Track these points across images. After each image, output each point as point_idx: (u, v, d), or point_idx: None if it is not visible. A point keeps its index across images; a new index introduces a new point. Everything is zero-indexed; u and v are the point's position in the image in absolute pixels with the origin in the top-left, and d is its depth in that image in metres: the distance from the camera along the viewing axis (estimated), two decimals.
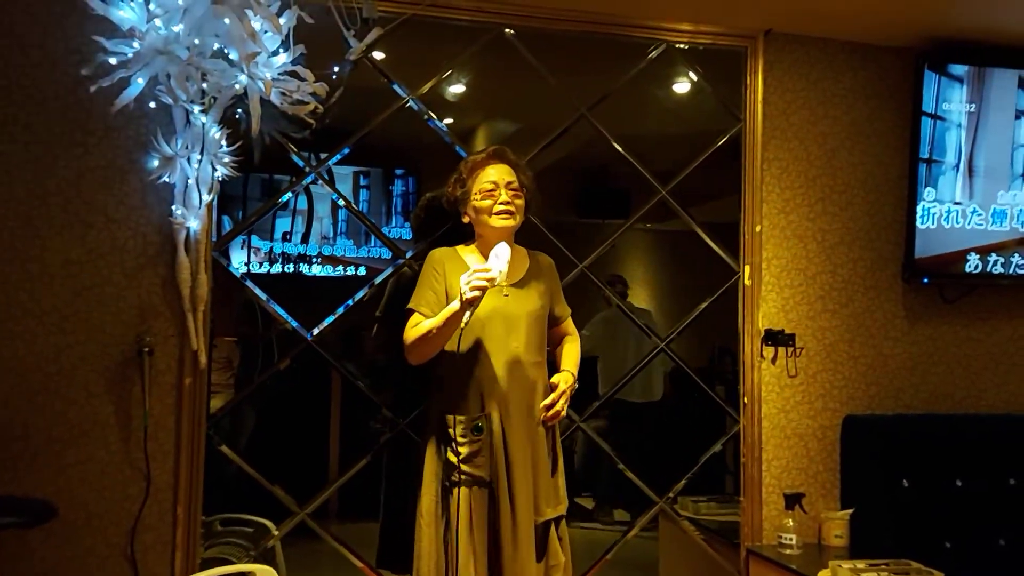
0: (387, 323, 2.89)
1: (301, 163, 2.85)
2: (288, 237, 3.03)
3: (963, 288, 3.34)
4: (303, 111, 2.65)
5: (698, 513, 3.40)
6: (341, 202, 3.04)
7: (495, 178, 2.42)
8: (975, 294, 3.37)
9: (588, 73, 3.16)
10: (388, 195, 3.32)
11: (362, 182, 3.34)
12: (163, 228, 2.59)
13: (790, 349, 3.17)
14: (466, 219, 2.49)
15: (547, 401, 2.39)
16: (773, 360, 3.17)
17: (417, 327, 2.33)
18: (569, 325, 2.63)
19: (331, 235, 3.14)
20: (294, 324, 2.81)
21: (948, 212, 3.19)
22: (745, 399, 3.14)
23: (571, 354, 2.56)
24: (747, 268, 3.15)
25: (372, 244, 3.17)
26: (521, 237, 2.54)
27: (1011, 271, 3.27)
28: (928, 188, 3.16)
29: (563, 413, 2.42)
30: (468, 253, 2.49)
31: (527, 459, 2.35)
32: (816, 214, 3.24)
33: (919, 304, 3.34)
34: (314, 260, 3.06)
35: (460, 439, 2.31)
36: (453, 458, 2.31)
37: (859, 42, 3.27)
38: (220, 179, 2.60)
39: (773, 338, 3.15)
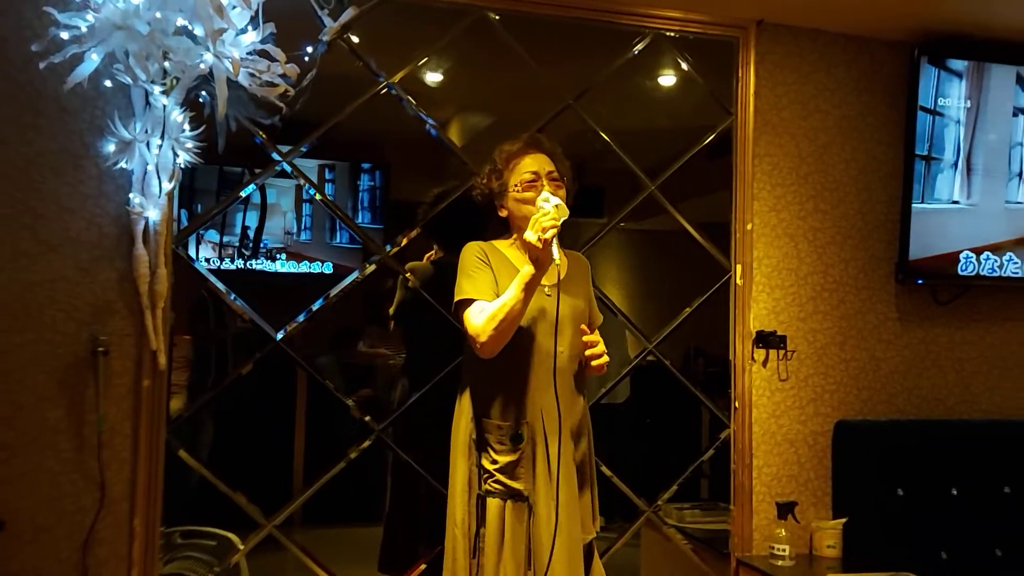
0: (402, 321, 2.83)
1: (272, 151, 2.66)
2: (248, 231, 2.84)
3: (956, 289, 3.25)
4: (273, 94, 2.48)
5: (682, 521, 3.27)
6: (308, 196, 2.87)
7: (536, 168, 2.27)
8: (968, 295, 3.27)
9: (573, 62, 3.02)
10: (355, 190, 3.14)
11: (327, 176, 3.15)
12: (120, 218, 2.41)
13: (781, 352, 3.05)
14: (503, 212, 2.34)
15: (590, 338, 2.20)
16: (764, 363, 3.05)
17: (489, 310, 2.11)
18: (597, 335, 2.41)
19: (295, 230, 2.95)
20: (262, 324, 2.64)
21: (945, 211, 3.09)
22: (736, 403, 3.02)
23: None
24: (738, 267, 3.03)
25: (339, 240, 2.99)
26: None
27: (1005, 272, 3.18)
28: (924, 186, 3.05)
29: (606, 360, 2.21)
30: (505, 248, 2.33)
31: (571, 474, 2.19)
32: (807, 212, 3.13)
33: (912, 306, 3.24)
34: (277, 255, 2.87)
35: (497, 446, 2.16)
36: (490, 466, 2.16)
37: (851, 34, 3.17)
38: (182, 166, 2.43)
39: (764, 340, 3.03)
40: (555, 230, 2.02)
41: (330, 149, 2.85)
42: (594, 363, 2.19)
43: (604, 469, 2.91)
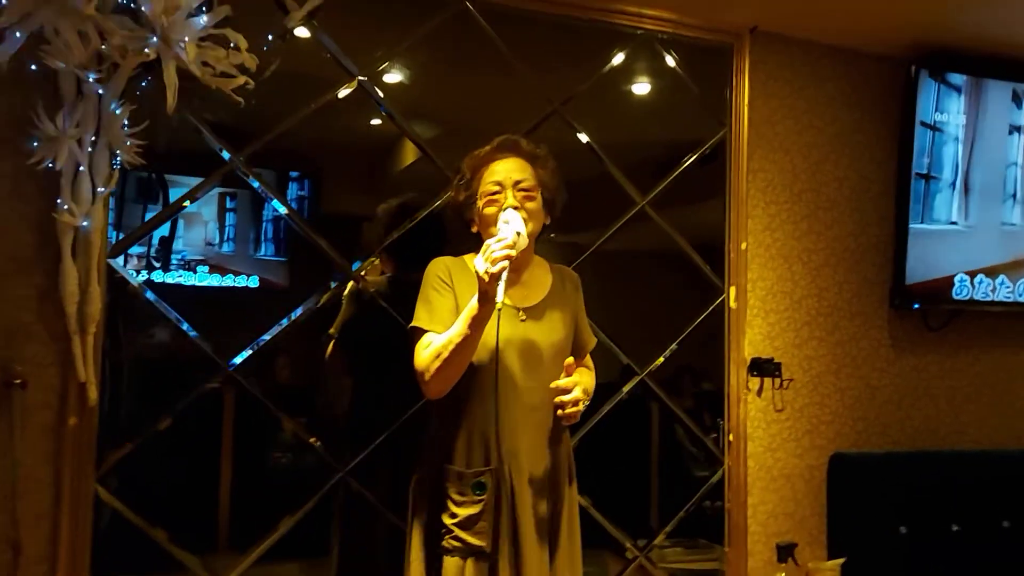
0: (345, 344, 2.44)
1: (225, 153, 2.33)
2: (167, 242, 2.48)
3: (947, 315, 3.12)
4: (229, 87, 2.16)
5: (664, 560, 3.01)
6: (231, 205, 2.54)
7: (500, 177, 1.92)
8: (958, 321, 3.15)
9: (559, 64, 2.77)
10: (282, 202, 2.83)
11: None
12: (43, 227, 2.04)
13: (777, 380, 2.85)
14: (474, 228, 1.99)
15: (563, 384, 1.81)
16: (759, 392, 2.84)
17: (434, 346, 1.82)
18: (588, 360, 2.15)
19: (216, 241, 2.60)
20: (211, 352, 2.29)
21: (943, 233, 2.95)
22: (730, 436, 2.79)
23: (587, 378, 2.07)
24: (732, 289, 2.82)
25: (263, 252, 2.65)
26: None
27: (998, 296, 3.05)
28: (921, 206, 2.91)
29: (580, 409, 1.84)
30: None
31: (543, 528, 1.89)
32: (802, 232, 2.95)
33: (904, 331, 3.09)
34: (197, 268, 2.51)
35: (457, 497, 1.84)
36: (448, 520, 1.84)
37: (842, 47, 3.02)
38: (120, 168, 2.08)
39: (759, 368, 2.82)
40: (506, 264, 1.70)
41: (277, 157, 2.52)
42: (560, 412, 1.83)
43: (593, 512, 2.64)
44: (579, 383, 1.85)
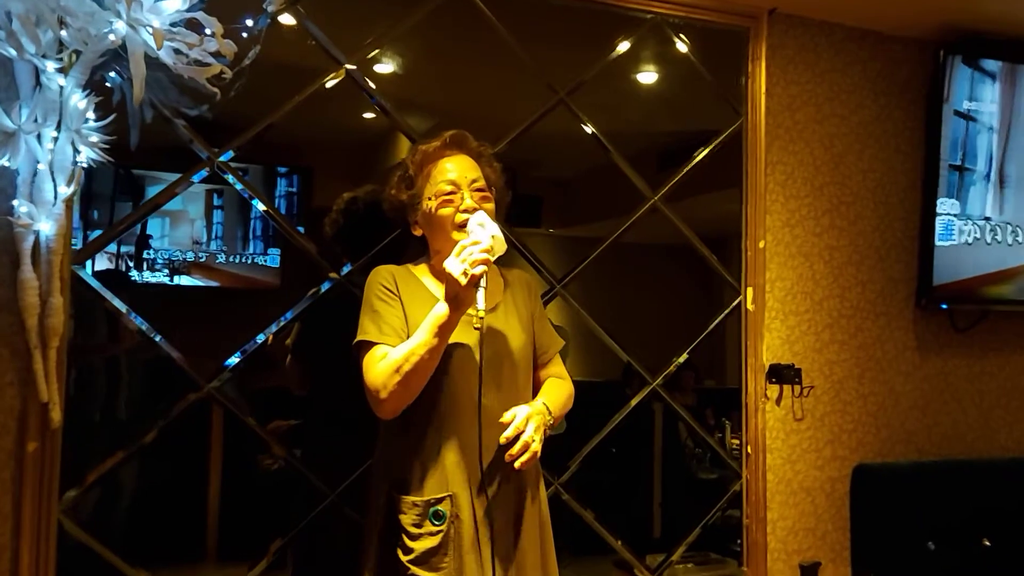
0: (303, 354, 2.24)
1: (201, 151, 2.15)
2: (141, 246, 2.29)
3: (975, 315, 2.94)
4: (204, 76, 1.96)
5: None
6: (218, 203, 2.36)
7: (455, 176, 1.76)
8: (987, 321, 2.96)
9: (563, 51, 2.57)
10: (270, 198, 2.66)
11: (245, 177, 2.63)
12: None
13: (796, 388, 2.67)
14: (417, 231, 1.83)
15: (509, 428, 1.64)
16: (778, 400, 2.66)
17: (391, 359, 1.64)
18: (558, 364, 1.95)
19: (204, 240, 2.42)
20: (188, 370, 2.10)
21: (977, 229, 2.76)
22: (748, 448, 2.62)
23: (555, 390, 1.86)
24: (750, 291, 2.64)
25: (252, 251, 2.47)
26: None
27: None
28: (952, 200, 2.72)
29: (535, 450, 1.66)
30: (424, 274, 1.83)
31: (508, 558, 1.72)
32: (823, 228, 2.77)
33: (929, 333, 2.91)
34: (178, 268, 2.32)
35: (412, 530, 1.66)
36: (404, 557, 1.66)
37: (867, 29, 2.83)
38: (84, 166, 1.89)
39: (778, 374, 2.64)
40: (485, 269, 1.58)
41: (259, 152, 2.33)
42: (515, 462, 1.63)
43: (599, 528, 2.47)
44: (530, 414, 1.67)
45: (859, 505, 2.74)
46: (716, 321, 2.64)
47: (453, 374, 1.70)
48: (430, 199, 1.76)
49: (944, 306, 2.81)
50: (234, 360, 2.13)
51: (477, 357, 1.69)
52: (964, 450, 2.94)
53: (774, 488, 2.64)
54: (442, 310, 1.60)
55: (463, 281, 1.55)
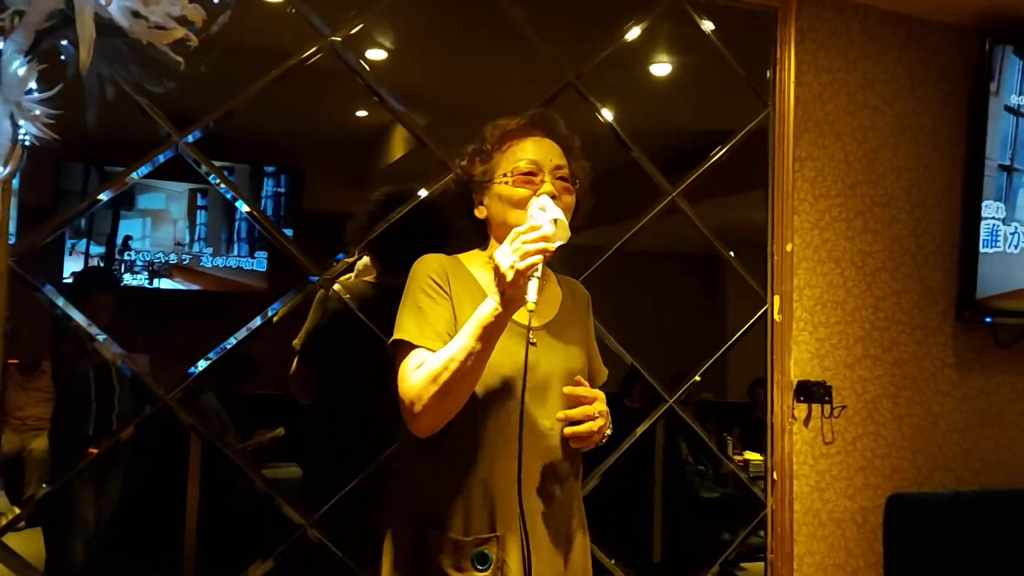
0: (310, 358, 2.02)
1: (165, 130, 1.90)
2: (130, 241, 2.07)
3: (1019, 329, 2.68)
4: (165, 41, 1.71)
5: None
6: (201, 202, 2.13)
7: (537, 157, 1.50)
8: None
9: (574, 33, 2.33)
10: (256, 198, 2.44)
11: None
12: None
13: (826, 407, 2.42)
14: (481, 212, 1.55)
15: (582, 391, 1.44)
16: (806, 422, 2.40)
17: (429, 367, 1.37)
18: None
19: (187, 241, 2.21)
20: (148, 382, 1.84)
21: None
22: (774, 474, 2.36)
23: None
24: (776, 299, 2.38)
25: (237, 253, 2.26)
26: None
27: None
28: (997, 203, 2.47)
29: (596, 440, 1.47)
30: (477, 266, 1.54)
31: None
32: (855, 232, 2.51)
33: (970, 348, 2.65)
34: (160, 270, 2.10)
35: (453, 573, 1.38)
36: None
37: (905, 13, 2.58)
38: (26, 143, 1.63)
39: (807, 392, 2.39)
40: (540, 259, 1.30)
41: (224, 146, 2.10)
42: (582, 429, 1.42)
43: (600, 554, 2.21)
44: (604, 411, 1.46)
45: (893, 539, 2.47)
46: (740, 333, 2.38)
47: (506, 391, 1.42)
48: (505, 176, 1.49)
49: (988, 319, 2.55)
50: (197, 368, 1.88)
51: (536, 376, 1.42)
52: (1007, 479, 2.68)
53: (801, 519, 2.38)
54: (488, 309, 1.33)
55: (509, 276, 1.28)
